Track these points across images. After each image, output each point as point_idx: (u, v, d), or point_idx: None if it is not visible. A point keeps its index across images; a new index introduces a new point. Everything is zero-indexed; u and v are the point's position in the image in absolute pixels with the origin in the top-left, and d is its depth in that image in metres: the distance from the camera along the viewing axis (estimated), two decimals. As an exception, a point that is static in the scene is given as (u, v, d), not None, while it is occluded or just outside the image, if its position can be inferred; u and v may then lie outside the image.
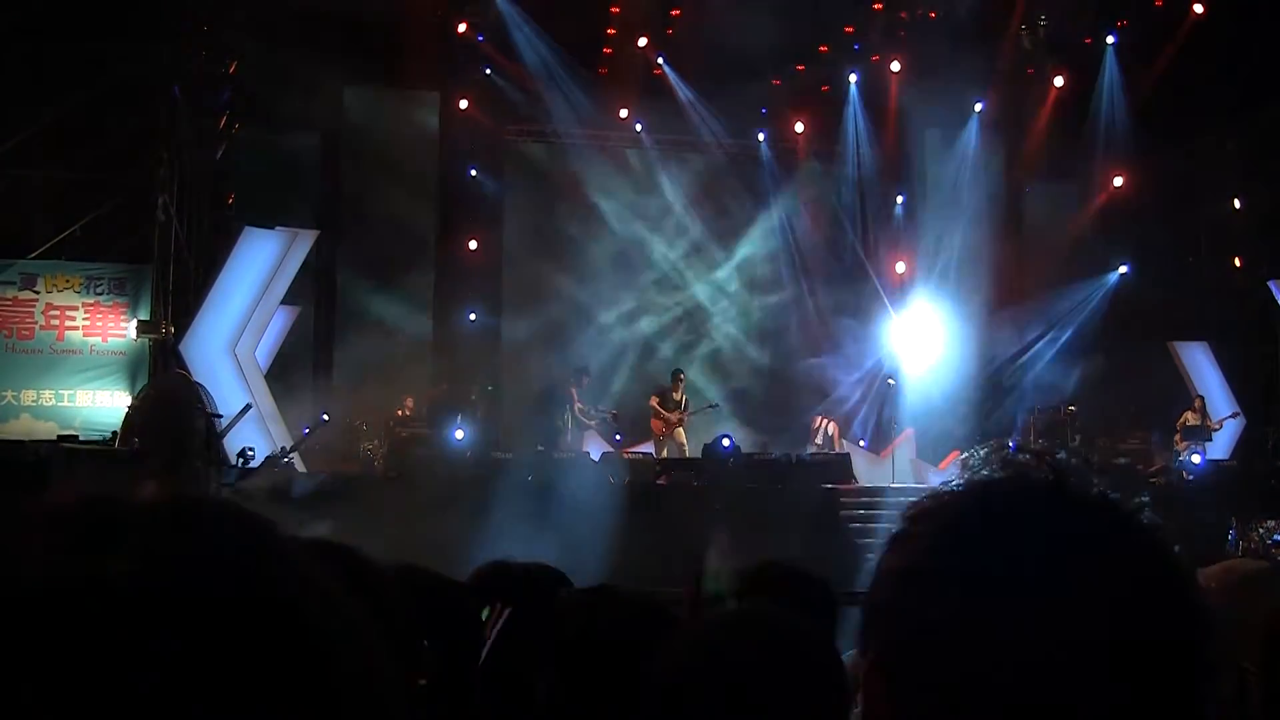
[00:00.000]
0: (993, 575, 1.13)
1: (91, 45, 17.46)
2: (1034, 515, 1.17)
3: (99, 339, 18.45)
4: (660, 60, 24.33)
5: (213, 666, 0.84)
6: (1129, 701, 1.10)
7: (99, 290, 18.54)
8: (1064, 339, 24.87)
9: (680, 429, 20.89)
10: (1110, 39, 24.09)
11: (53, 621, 0.83)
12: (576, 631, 2.75)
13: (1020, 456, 1.24)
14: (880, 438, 23.31)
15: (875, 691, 1.19)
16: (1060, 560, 1.13)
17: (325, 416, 18.44)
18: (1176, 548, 1.19)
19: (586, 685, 2.63)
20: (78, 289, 18.45)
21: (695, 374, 23.30)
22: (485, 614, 2.81)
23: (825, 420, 22.20)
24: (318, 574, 0.96)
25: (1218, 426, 21.60)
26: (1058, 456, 1.22)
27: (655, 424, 21.02)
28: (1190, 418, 21.43)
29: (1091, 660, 1.10)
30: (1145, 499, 15.03)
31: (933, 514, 1.22)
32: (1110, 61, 24.22)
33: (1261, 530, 15.98)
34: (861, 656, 1.22)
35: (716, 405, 21.97)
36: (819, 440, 21.79)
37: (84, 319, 18.46)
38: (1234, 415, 22.09)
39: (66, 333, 18.37)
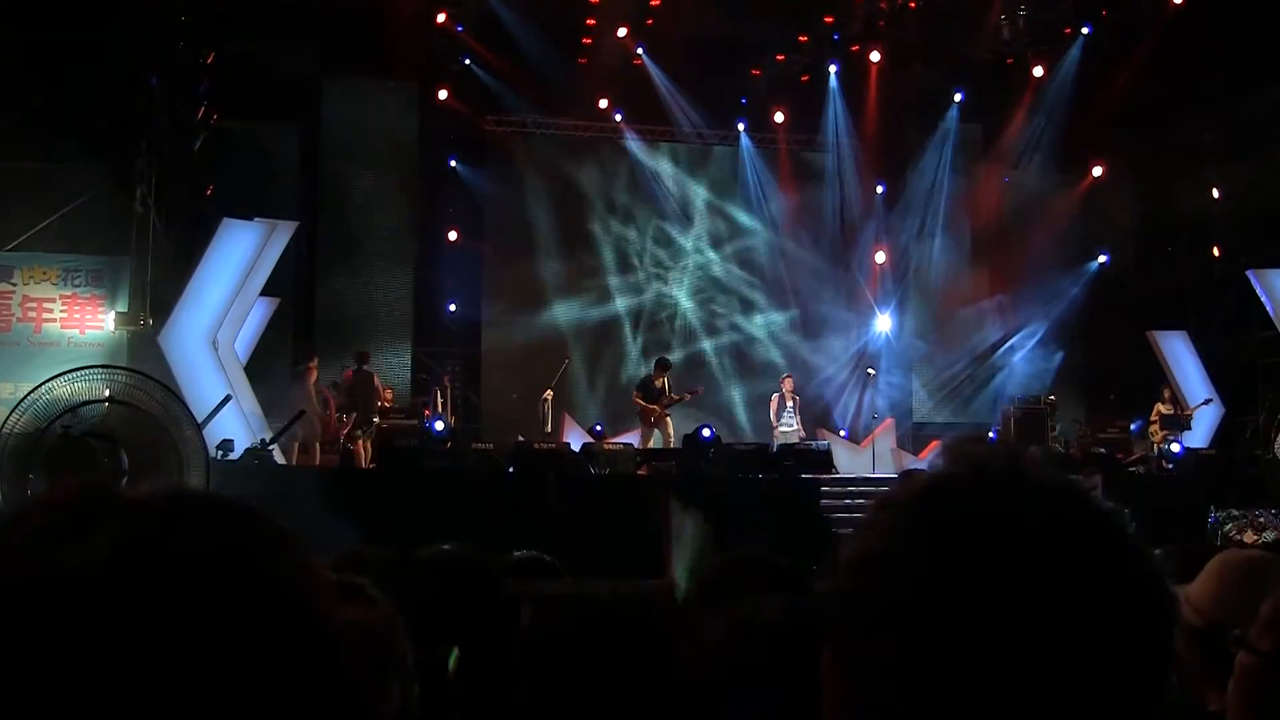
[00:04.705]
0: (947, 562, 1.15)
1: (68, 35, 17.36)
2: (989, 501, 1.19)
3: (77, 331, 18.37)
4: (640, 50, 24.32)
5: (178, 655, 0.84)
6: (1086, 684, 1.12)
7: (77, 282, 18.45)
8: (1043, 329, 24.97)
9: (668, 420, 20.83)
10: (1086, 29, 24.15)
11: (19, 608, 0.83)
12: (549, 633, 2.74)
13: (983, 446, 1.26)
14: (860, 427, 23.35)
15: (835, 677, 1.21)
16: (1014, 545, 1.15)
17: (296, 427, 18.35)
18: (1131, 529, 1.21)
19: (561, 687, 2.62)
20: (55, 281, 18.36)
21: (676, 363, 23.31)
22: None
23: (779, 395, 21.73)
24: (307, 567, 0.95)
25: (1192, 412, 21.71)
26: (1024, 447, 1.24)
27: (642, 414, 20.98)
28: (1162, 408, 21.54)
29: (1048, 643, 1.11)
30: (1095, 484, 15.11)
31: (892, 503, 1.23)
32: (1074, 53, 24.29)
33: (1235, 518, 16.02)
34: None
35: (698, 392, 21.88)
36: (780, 423, 21.36)
37: (62, 311, 18.38)
38: (1207, 401, 22.18)
39: (44, 325, 18.29)
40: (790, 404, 21.35)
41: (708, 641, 2.30)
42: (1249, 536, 14.79)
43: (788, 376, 21.86)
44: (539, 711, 2.67)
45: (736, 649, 2.21)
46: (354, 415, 19.73)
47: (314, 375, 19.92)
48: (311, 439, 19.49)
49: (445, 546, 3.40)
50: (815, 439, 20.87)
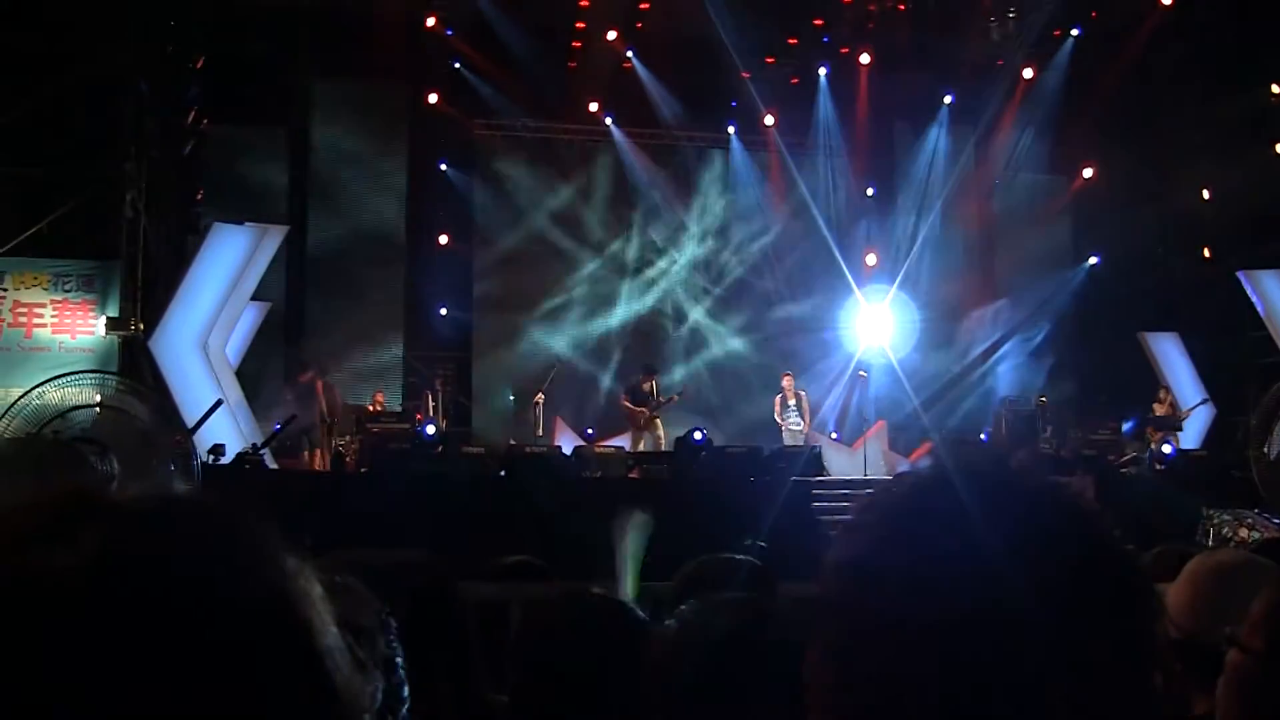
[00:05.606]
0: (933, 566, 1.15)
1: (57, 40, 17.34)
2: (973, 504, 1.19)
3: (68, 336, 18.38)
4: (630, 54, 24.30)
5: (162, 656, 0.83)
6: (1072, 684, 1.12)
7: (67, 287, 18.46)
8: (1035, 331, 24.99)
9: (658, 422, 20.82)
10: (1076, 31, 24.17)
11: (3, 608, 0.83)
12: (540, 633, 2.75)
13: (965, 447, 1.26)
14: (852, 430, 23.32)
15: (822, 682, 1.20)
16: (999, 548, 1.15)
17: (277, 426, 18.30)
18: (1117, 532, 1.21)
19: (550, 687, 2.62)
20: (46, 286, 18.36)
21: (667, 366, 23.33)
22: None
23: (780, 395, 21.69)
24: (295, 569, 0.95)
25: (1186, 415, 21.73)
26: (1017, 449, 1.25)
27: (630, 418, 20.99)
28: (1157, 409, 21.57)
29: (1033, 646, 1.12)
30: (1087, 486, 15.10)
31: (876, 506, 1.23)
32: (1064, 54, 24.32)
33: (1226, 520, 16.02)
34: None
35: (683, 394, 21.87)
36: (786, 421, 21.33)
37: (52, 316, 18.39)
38: (1203, 402, 22.22)
39: (35, 330, 18.30)
40: (793, 401, 21.33)
41: (666, 637, 2.31)
42: (1243, 533, 14.81)
43: (787, 375, 21.85)
44: (526, 712, 2.67)
45: (692, 644, 2.21)
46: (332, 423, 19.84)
47: (320, 384, 19.93)
48: (317, 441, 19.50)
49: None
50: (808, 441, 20.85)
